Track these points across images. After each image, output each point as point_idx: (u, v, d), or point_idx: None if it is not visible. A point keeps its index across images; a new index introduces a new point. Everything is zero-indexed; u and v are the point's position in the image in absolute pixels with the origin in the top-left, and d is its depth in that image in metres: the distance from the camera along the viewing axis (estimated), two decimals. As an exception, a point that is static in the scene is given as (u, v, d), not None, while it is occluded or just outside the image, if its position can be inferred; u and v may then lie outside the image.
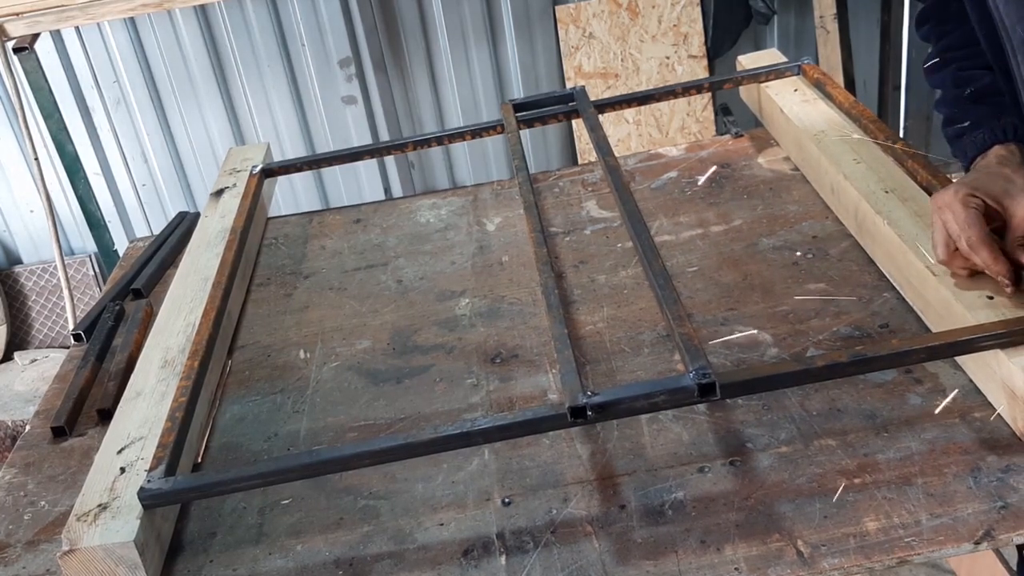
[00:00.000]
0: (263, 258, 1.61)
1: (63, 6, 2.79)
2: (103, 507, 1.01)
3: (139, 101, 3.48)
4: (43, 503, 1.15)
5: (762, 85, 1.67)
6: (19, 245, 3.75)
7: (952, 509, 0.93)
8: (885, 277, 1.26)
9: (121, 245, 3.25)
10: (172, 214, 3.02)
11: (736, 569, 0.91)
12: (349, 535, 1.02)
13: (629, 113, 3.56)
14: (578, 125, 3.51)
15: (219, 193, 1.65)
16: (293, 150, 3.58)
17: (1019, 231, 1.06)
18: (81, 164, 3.03)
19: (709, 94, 3.55)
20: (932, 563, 2.31)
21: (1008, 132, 1.14)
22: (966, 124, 1.19)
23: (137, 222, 3.71)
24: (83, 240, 3.68)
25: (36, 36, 2.86)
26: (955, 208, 1.08)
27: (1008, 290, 1.06)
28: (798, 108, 1.56)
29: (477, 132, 1.69)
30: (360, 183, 3.70)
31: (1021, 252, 1.05)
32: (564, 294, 1.35)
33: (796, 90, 1.62)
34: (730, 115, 1.75)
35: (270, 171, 1.72)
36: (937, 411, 1.04)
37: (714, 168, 1.57)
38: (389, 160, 3.65)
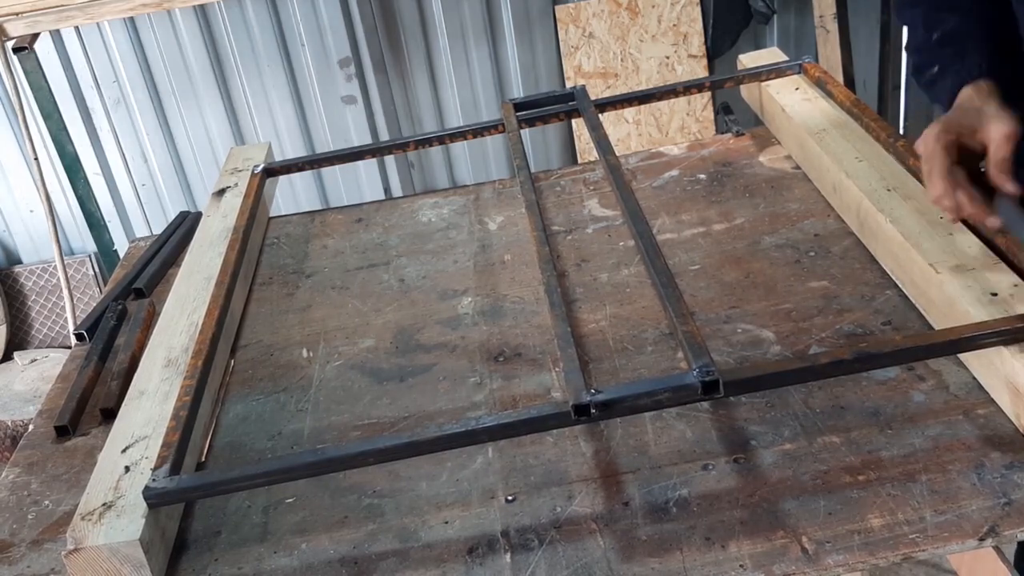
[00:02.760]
0: (265, 257, 1.61)
1: (63, 6, 2.79)
2: (108, 506, 1.01)
3: (139, 101, 3.48)
4: (47, 502, 1.15)
5: (763, 84, 1.67)
6: (19, 245, 3.75)
7: (956, 506, 0.93)
8: (887, 275, 1.26)
9: (121, 245, 3.25)
10: (172, 214, 3.03)
11: (741, 566, 0.91)
12: (354, 533, 1.03)
13: (629, 113, 3.56)
14: (578, 125, 3.51)
15: (221, 193, 1.65)
16: (293, 150, 3.58)
17: (999, 153, 1.07)
18: (81, 164, 3.03)
19: (709, 94, 3.56)
20: (933, 562, 2.31)
21: (973, 72, 1.16)
22: (935, 71, 1.21)
23: (137, 222, 3.71)
24: (83, 240, 3.68)
25: (36, 36, 2.86)
26: (928, 143, 1.11)
27: (953, 222, 1.11)
28: (799, 107, 1.56)
29: (478, 131, 1.69)
30: (360, 183, 3.70)
31: (1000, 178, 1.07)
32: (566, 293, 1.35)
33: (797, 89, 1.63)
34: (731, 114, 1.75)
35: (272, 171, 1.72)
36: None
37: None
38: (389, 160, 3.65)
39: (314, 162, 1.76)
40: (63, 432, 1.26)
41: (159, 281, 1.60)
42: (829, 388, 1.10)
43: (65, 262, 3.27)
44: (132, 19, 3.32)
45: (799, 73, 1.67)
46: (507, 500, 1.03)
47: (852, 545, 0.91)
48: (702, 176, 1.58)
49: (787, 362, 1.05)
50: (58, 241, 3.13)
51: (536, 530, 0.99)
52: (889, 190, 1.29)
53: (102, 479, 1.05)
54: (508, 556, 0.97)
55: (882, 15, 3.54)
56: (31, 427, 1.29)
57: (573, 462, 1.07)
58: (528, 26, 3.49)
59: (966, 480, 0.95)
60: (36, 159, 3.03)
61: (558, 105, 1.68)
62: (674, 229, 1.46)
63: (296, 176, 3.53)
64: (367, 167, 3.65)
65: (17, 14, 2.79)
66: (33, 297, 3.75)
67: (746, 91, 1.76)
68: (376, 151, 1.73)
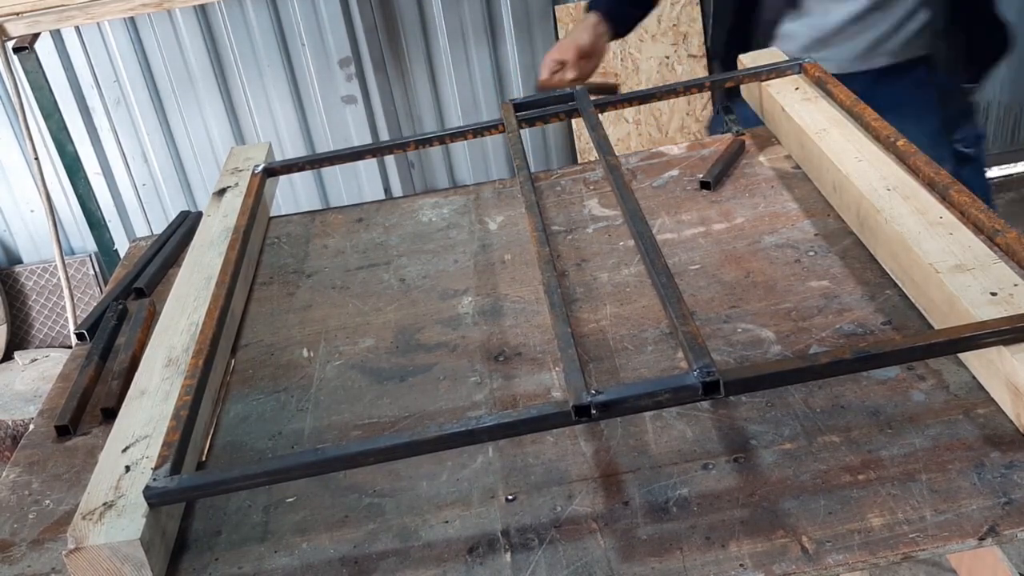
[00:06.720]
0: (266, 257, 1.61)
1: (63, 6, 2.80)
2: (108, 505, 1.01)
3: (139, 101, 3.49)
4: (48, 502, 1.15)
5: (763, 84, 1.67)
6: (19, 245, 3.75)
7: (956, 505, 0.93)
8: (887, 274, 1.26)
9: (121, 245, 3.26)
10: (172, 214, 3.03)
11: (741, 566, 0.91)
12: (354, 533, 1.03)
13: (629, 113, 3.56)
14: (578, 124, 3.52)
15: (221, 192, 1.65)
16: (293, 150, 3.59)
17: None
18: (81, 164, 3.04)
19: (709, 93, 3.55)
20: (933, 562, 2.31)
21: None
22: None
23: (137, 222, 3.72)
24: (83, 240, 3.68)
25: (36, 36, 2.87)
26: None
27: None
28: (799, 106, 1.56)
29: (478, 131, 1.69)
30: (360, 183, 3.70)
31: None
32: (567, 292, 1.35)
33: (797, 88, 1.63)
34: (731, 114, 1.76)
35: (272, 170, 1.72)
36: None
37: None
38: (389, 160, 3.65)
39: (314, 162, 1.76)
40: (64, 432, 1.26)
41: (159, 281, 1.60)
42: (829, 388, 1.10)
43: (65, 262, 3.28)
44: (132, 19, 3.32)
45: (799, 73, 1.67)
46: (507, 499, 1.03)
47: (852, 544, 0.91)
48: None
49: (787, 362, 1.05)
50: (58, 241, 3.13)
51: (536, 529, 0.99)
52: (889, 190, 1.29)
53: (103, 478, 1.06)
54: (508, 555, 0.97)
55: (882, 15, 3.53)
56: (32, 427, 1.30)
57: (573, 462, 1.07)
58: (528, 26, 3.49)
59: (966, 480, 0.95)
60: (36, 159, 3.04)
61: (558, 105, 1.68)
62: (674, 229, 1.46)
63: (296, 176, 3.53)
64: (367, 167, 3.65)
65: (17, 14, 2.80)
66: (34, 297, 3.75)
67: (746, 91, 1.76)
68: (376, 151, 1.73)
